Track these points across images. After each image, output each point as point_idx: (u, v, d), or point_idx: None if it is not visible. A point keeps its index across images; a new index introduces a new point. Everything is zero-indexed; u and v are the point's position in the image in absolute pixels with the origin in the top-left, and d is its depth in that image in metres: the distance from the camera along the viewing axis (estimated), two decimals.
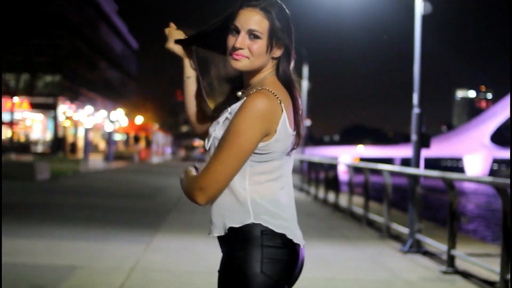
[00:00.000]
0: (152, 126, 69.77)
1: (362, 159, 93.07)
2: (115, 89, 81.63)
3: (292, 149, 2.51)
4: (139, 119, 71.14)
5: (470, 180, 9.33)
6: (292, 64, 2.56)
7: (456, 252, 8.38)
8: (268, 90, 2.42)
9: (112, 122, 56.43)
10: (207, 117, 2.84)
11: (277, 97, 2.41)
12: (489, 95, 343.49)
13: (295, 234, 2.48)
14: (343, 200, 16.01)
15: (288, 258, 2.43)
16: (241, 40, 2.43)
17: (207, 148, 2.54)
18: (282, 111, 2.41)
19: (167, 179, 27.73)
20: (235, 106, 2.46)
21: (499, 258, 7.23)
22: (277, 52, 2.51)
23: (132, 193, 19.48)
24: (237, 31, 2.45)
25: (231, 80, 2.65)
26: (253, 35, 2.43)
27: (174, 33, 2.81)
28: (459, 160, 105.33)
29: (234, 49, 2.45)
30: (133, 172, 34.65)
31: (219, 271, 2.52)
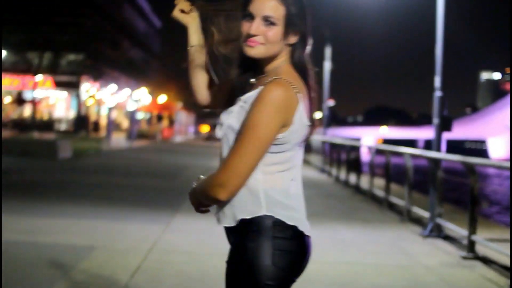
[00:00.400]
0: (175, 105, 69.78)
1: (386, 141, 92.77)
2: (138, 68, 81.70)
3: (305, 139, 2.46)
4: (162, 98, 71.17)
5: (492, 165, 9.21)
6: (307, 51, 2.48)
7: (477, 237, 8.29)
8: (285, 79, 2.34)
9: (135, 101, 56.54)
10: (212, 89, 2.85)
11: (294, 87, 2.33)
12: None
13: (305, 226, 2.43)
14: (365, 182, 15.92)
15: (298, 249, 2.39)
16: (256, 27, 2.36)
17: (220, 137, 2.47)
18: (299, 101, 2.34)
19: (189, 159, 27.78)
20: (250, 95, 2.39)
21: None
22: (293, 39, 2.43)
23: (153, 172, 19.50)
24: (252, 17, 2.37)
25: (242, 63, 2.54)
26: (268, 21, 2.36)
27: (181, 2, 2.82)
28: (483, 142, 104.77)
29: (249, 35, 2.37)
30: (155, 151, 34.70)
31: (227, 262, 2.46)
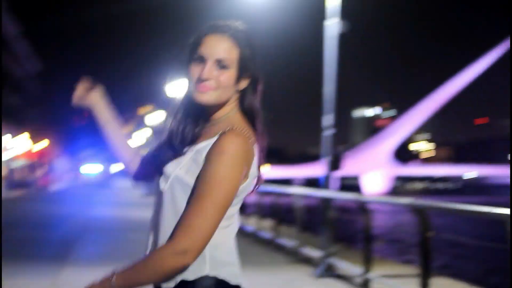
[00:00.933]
0: (54, 151, 68.23)
1: (268, 180, 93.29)
2: (17, 114, 79.47)
3: (252, 191, 2.26)
4: (40, 145, 69.40)
5: (385, 202, 9.33)
6: (258, 96, 2.30)
7: (371, 275, 8.32)
8: (241, 129, 2.14)
9: (12, 148, 54.85)
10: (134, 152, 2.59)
11: (250, 138, 2.15)
12: (391, 113, 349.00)
13: (243, 280, 2.26)
14: (251, 224, 15.74)
15: None
16: (208, 70, 2.15)
17: (162, 189, 2.18)
18: (254, 153, 2.17)
19: (67, 207, 27.03)
20: (203, 146, 2.15)
21: (414, 278, 7.22)
22: (244, 84, 2.25)
23: (32, 223, 18.80)
24: (203, 60, 2.17)
25: (186, 110, 2.31)
26: (221, 65, 2.16)
27: (80, 86, 2.57)
28: (355, 178, 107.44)
29: (200, 80, 2.16)
30: (32, 201, 33.64)
31: None
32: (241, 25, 2.23)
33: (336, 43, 11.15)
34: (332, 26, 11.29)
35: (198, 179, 2.09)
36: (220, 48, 2.15)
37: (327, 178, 10.61)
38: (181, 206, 2.11)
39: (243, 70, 2.19)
